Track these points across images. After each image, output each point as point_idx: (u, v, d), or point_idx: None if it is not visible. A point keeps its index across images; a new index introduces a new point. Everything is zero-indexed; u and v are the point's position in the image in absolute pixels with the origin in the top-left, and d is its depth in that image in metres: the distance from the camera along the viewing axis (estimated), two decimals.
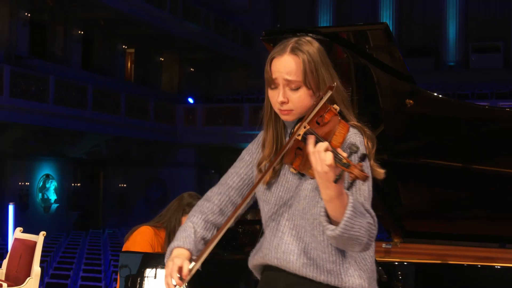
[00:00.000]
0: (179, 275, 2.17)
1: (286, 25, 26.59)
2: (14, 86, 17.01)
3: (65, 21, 21.46)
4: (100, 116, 19.95)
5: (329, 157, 1.93)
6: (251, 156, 2.39)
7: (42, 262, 9.90)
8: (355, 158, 1.97)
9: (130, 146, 22.46)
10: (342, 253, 2.17)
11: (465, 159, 3.72)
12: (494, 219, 3.98)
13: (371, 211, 2.10)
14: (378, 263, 3.12)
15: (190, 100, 25.88)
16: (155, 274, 3.36)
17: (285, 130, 2.30)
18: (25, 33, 19.74)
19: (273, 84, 2.21)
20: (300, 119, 2.20)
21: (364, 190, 2.14)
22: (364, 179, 1.90)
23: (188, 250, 2.26)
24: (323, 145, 1.96)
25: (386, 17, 26.70)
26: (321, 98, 2.13)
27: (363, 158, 1.94)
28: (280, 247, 2.21)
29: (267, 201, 2.28)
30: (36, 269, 4.62)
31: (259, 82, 27.78)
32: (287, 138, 2.25)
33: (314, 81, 2.19)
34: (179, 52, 26.57)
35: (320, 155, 1.95)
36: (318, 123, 2.12)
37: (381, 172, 2.20)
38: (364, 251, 2.12)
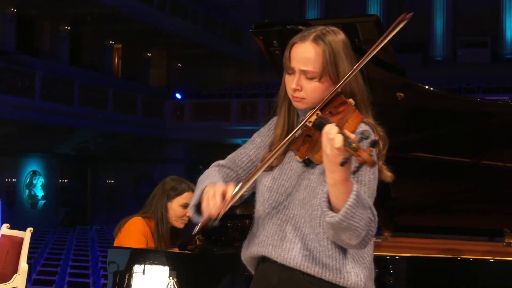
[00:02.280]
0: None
1: (276, 20, 26.56)
2: (1, 82, 16.87)
3: (53, 17, 21.32)
4: (88, 112, 19.81)
5: (338, 139, 1.88)
6: (262, 139, 2.36)
7: (29, 259, 9.82)
8: (364, 144, 1.93)
9: (118, 142, 22.35)
10: (340, 248, 2.11)
11: (457, 153, 3.70)
12: (485, 212, 3.97)
13: (373, 208, 2.04)
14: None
15: (178, 96, 25.79)
16: (144, 269, 3.32)
17: (298, 118, 2.26)
18: (12, 29, 19.58)
19: (290, 70, 2.17)
20: (312, 109, 2.15)
21: (369, 187, 2.09)
22: (372, 164, 1.84)
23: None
24: (334, 127, 1.91)
25: (374, 12, 26.70)
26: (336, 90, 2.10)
27: (373, 144, 1.89)
28: (277, 234, 2.16)
29: (268, 187, 2.23)
30: (23, 265, 4.57)
31: (248, 77, 27.75)
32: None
33: (332, 74, 2.14)
34: (167, 47, 26.47)
35: (329, 137, 1.90)
36: (331, 113, 2.09)
37: (388, 175, 2.15)
38: (360, 248, 2.06)
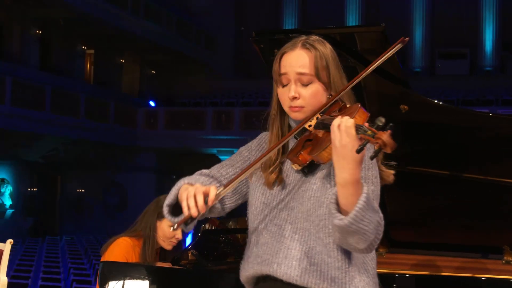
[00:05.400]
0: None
1: (249, 27, 26.44)
2: None
3: (23, 20, 20.95)
4: (58, 118, 19.45)
5: (350, 125, 1.85)
6: (249, 152, 2.30)
7: None
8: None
9: (89, 150, 22.00)
10: (348, 259, 2.05)
11: (453, 167, 3.62)
12: (482, 229, 3.89)
13: (380, 211, 1.99)
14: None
15: (152, 103, 25.52)
16: (133, 284, 3.18)
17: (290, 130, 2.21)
18: None
19: (284, 80, 2.14)
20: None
21: (376, 187, 2.05)
22: (393, 146, 1.75)
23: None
24: (343, 118, 1.89)
25: (352, 20, 26.65)
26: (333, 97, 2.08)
27: (391, 127, 1.78)
28: (281, 252, 2.07)
29: (267, 203, 2.16)
30: (2, 279, 4.37)
31: (222, 85, 27.55)
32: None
33: (325, 78, 2.12)
34: (140, 53, 26.22)
35: (341, 126, 1.87)
36: (331, 116, 2.03)
37: (390, 173, 2.12)
38: (367, 252, 2.00)
